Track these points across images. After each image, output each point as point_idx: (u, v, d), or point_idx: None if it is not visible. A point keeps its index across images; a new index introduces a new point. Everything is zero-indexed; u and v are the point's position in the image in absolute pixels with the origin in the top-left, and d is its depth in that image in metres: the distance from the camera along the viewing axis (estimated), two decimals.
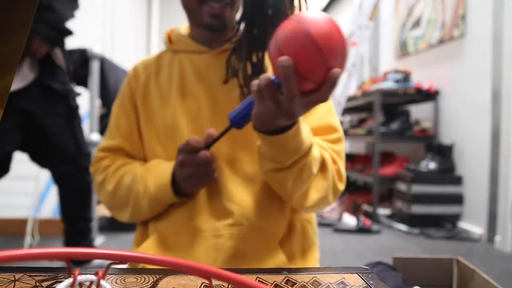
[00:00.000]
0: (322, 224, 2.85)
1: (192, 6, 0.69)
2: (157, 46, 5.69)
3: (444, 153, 2.82)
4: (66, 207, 1.59)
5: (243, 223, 0.64)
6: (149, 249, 0.66)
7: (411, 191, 2.72)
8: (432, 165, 2.81)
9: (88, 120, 2.28)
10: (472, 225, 2.62)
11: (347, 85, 2.88)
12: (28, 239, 2.12)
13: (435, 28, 3.07)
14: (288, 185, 0.60)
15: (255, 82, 0.50)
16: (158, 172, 0.66)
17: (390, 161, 3.29)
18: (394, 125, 3.12)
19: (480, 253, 2.22)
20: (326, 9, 5.63)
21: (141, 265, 0.59)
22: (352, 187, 3.83)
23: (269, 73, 0.54)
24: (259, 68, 0.62)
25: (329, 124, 0.69)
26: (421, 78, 3.20)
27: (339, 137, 0.70)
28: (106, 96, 2.29)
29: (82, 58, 2.04)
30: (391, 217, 3.02)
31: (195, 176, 0.62)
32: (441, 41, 2.99)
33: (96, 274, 0.25)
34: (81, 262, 1.49)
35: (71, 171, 1.54)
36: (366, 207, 3.26)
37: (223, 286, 0.36)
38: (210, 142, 0.61)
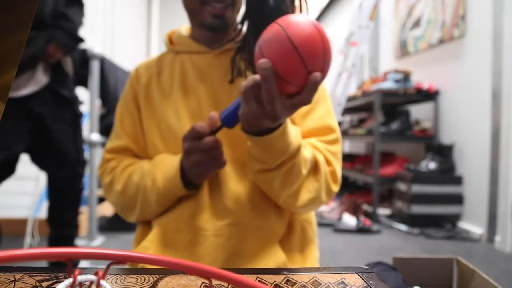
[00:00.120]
0: (322, 224, 2.85)
1: (194, 6, 0.69)
2: (157, 46, 5.69)
3: (444, 153, 2.82)
4: (56, 212, 1.62)
5: (243, 223, 0.65)
6: (149, 248, 0.66)
7: (411, 191, 2.72)
8: (432, 165, 2.81)
9: (88, 120, 2.28)
10: (472, 225, 2.62)
11: (347, 85, 2.88)
12: (28, 239, 2.12)
13: (435, 28, 3.07)
14: (275, 185, 0.61)
15: (243, 84, 0.51)
16: (166, 165, 0.66)
17: (390, 161, 3.29)
18: (394, 125, 3.13)
19: (480, 253, 2.22)
20: (326, 9, 5.63)
21: (141, 265, 0.59)
22: (352, 187, 3.83)
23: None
24: None
25: (327, 125, 0.70)
26: (421, 78, 3.20)
27: (336, 138, 0.70)
28: (106, 96, 2.28)
29: (82, 58, 2.04)
30: (391, 217, 3.02)
31: (202, 162, 0.61)
32: (441, 41, 2.99)
33: (96, 274, 0.25)
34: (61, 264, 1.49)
35: (68, 176, 1.57)
36: (366, 207, 3.26)
37: (223, 286, 0.36)
38: (213, 130, 0.61)
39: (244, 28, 0.65)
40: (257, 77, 0.50)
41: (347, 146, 4.68)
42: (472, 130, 2.66)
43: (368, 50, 4.27)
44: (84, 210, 2.45)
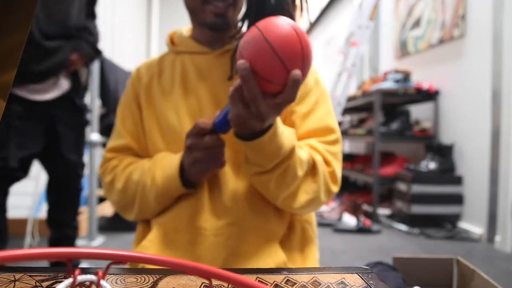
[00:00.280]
0: (322, 224, 2.85)
1: (195, 5, 0.69)
2: (157, 46, 5.69)
3: (444, 153, 2.82)
4: (55, 213, 1.65)
5: (243, 223, 0.65)
6: (149, 247, 0.66)
7: (411, 191, 2.72)
8: (432, 165, 2.81)
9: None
10: (472, 225, 2.62)
11: (347, 85, 2.88)
12: (28, 239, 2.12)
13: (435, 28, 3.07)
14: (271, 187, 0.62)
15: (230, 89, 0.53)
16: (166, 163, 0.66)
17: (390, 161, 3.28)
18: (394, 125, 3.13)
19: (480, 253, 2.22)
20: (326, 9, 5.63)
21: (141, 265, 0.59)
22: (352, 187, 3.83)
23: None
24: None
25: (327, 125, 0.70)
26: (421, 78, 3.20)
27: (336, 139, 0.70)
28: (106, 96, 2.29)
29: None
30: (391, 217, 3.02)
31: (202, 160, 0.61)
32: (441, 41, 2.99)
33: (96, 274, 0.25)
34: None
35: (68, 177, 1.63)
36: (366, 207, 3.26)
37: (223, 286, 0.36)
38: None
39: (245, 27, 0.65)
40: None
41: (347, 146, 4.68)
42: (472, 130, 2.66)
43: (368, 50, 4.27)
44: (84, 210, 2.45)
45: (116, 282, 0.37)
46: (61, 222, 1.65)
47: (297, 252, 0.70)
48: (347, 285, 0.38)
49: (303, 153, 0.63)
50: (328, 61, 5.31)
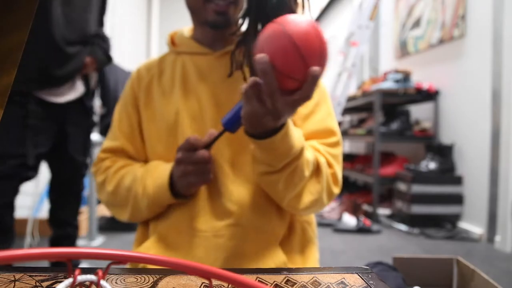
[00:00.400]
0: (322, 224, 2.85)
1: (197, 4, 0.69)
2: (157, 47, 5.69)
3: (444, 153, 2.82)
4: (57, 211, 1.67)
5: (243, 224, 0.65)
6: (149, 249, 0.66)
7: (411, 191, 2.72)
8: (432, 165, 2.81)
9: None
10: (472, 225, 2.62)
11: (347, 85, 2.88)
12: (28, 239, 2.12)
13: (435, 28, 3.07)
14: (279, 187, 0.62)
15: (244, 86, 0.52)
16: (157, 173, 0.67)
17: (390, 161, 3.28)
18: (394, 125, 3.13)
19: (480, 253, 2.22)
20: (326, 9, 5.63)
21: (141, 265, 0.59)
22: (352, 187, 3.83)
23: None
24: None
25: (328, 127, 0.70)
26: (421, 78, 3.20)
27: (337, 141, 0.70)
28: (106, 96, 2.28)
29: None
30: (391, 217, 3.02)
31: (190, 174, 0.62)
32: (441, 41, 2.99)
33: (96, 274, 0.25)
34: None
35: (72, 177, 1.65)
36: (366, 207, 3.26)
37: (223, 286, 0.36)
38: (207, 144, 0.61)
39: (245, 24, 0.65)
40: (257, 78, 0.50)
41: (347, 146, 4.68)
42: (472, 130, 2.66)
43: (368, 50, 4.27)
44: (84, 210, 2.45)
45: (116, 282, 0.37)
46: (63, 221, 1.66)
47: (297, 253, 0.70)
48: (347, 285, 0.38)
49: (309, 153, 0.63)
50: (328, 61, 5.30)
